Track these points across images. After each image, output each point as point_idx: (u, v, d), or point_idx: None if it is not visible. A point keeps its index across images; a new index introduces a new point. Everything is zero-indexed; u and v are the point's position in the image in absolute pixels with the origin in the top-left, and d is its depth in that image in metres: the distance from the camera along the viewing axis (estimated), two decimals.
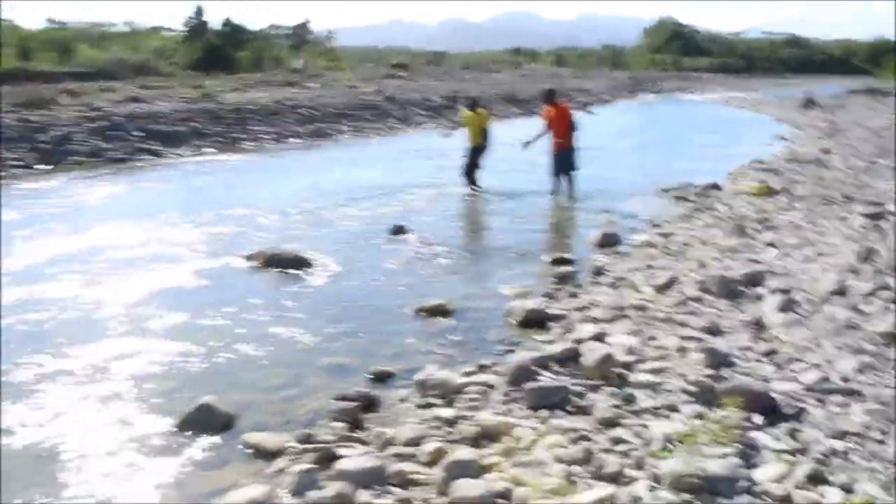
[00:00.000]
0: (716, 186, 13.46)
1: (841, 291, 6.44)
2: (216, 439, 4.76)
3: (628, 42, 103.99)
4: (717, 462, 3.61)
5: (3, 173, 14.87)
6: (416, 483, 4.02)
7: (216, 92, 26.47)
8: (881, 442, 3.91)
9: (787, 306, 6.15)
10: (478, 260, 9.36)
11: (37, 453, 4.57)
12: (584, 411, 4.61)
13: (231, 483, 4.21)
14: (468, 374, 5.49)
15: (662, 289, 7.24)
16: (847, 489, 3.45)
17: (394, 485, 3.97)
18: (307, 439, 4.61)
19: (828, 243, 8.33)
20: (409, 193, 13.27)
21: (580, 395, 4.81)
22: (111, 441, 4.71)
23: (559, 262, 8.80)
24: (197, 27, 42.85)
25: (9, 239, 9.70)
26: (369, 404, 5.19)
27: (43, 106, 19.65)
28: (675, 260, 8.42)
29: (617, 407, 4.57)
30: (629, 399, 4.70)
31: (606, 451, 4.02)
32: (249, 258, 8.82)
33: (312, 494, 3.84)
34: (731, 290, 6.75)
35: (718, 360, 5.08)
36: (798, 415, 4.27)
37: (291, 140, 21.66)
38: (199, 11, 43.31)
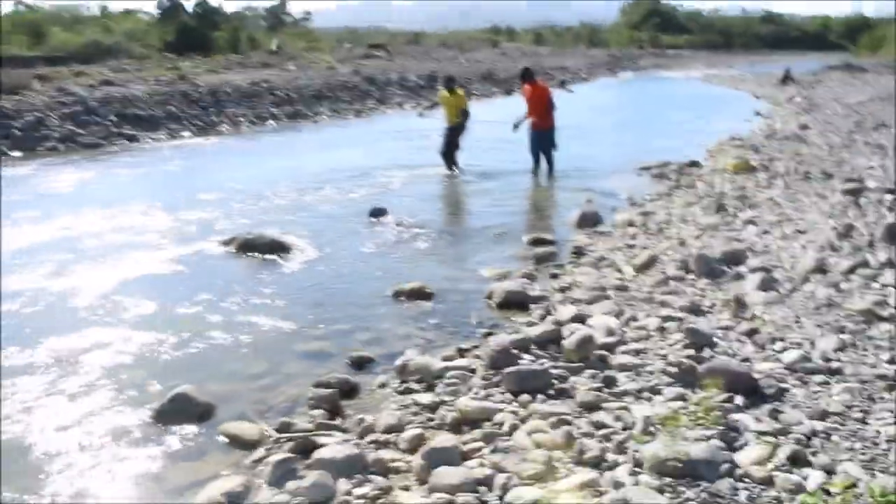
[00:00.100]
0: (695, 164, 13.48)
1: (821, 269, 6.43)
2: (194, 429, 4.69)
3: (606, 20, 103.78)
4: (698, 445, 3.59)
5: None
6: (396, 471, 3.99)
7: (191, 74, 26.14)
8: (862, 421, 3.90)
9: (768, 285, 6.14)
10: (457, 241, 9.29)
11: (8, 448, 4.47)
12: (565, 395, 4.58)
13: (209, 474, 4.16)
14: (448, 358, 5.43)
15: (643, 268, 7.22)
16: (829, 470, 3.43)
17: (374, 473, 3.92)
18: (286, 428, 4.55)
19: (807, 220, 8.33)
20: (387, 175, 13.16)
21: (561, 379, 4.78)
22: (85, 434, 4.63)
23: (539, 242, 8.76)
24: (170, 9, 42.27)
25: None
26: (349, 391, 5.13)
27: (15, 91, 19.29)
28: (655, 239, 8.40)
29: (598, 390, 4.54)
30: (610, 381, 4.67)
31: (588, 435, 3.98)
32: (226, 243, 8.71)
33: (291, 484, 3.79)
34: (712, 269, 6.74)
35: (699, 341, 5.06)
36: (779, 395, 4.25)
37: (269, 122, 21.46)
38: None
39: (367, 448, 4.19)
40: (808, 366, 4.59)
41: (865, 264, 6.41)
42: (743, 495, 3.31)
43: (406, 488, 3.80)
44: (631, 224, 9.26)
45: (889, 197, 8.85)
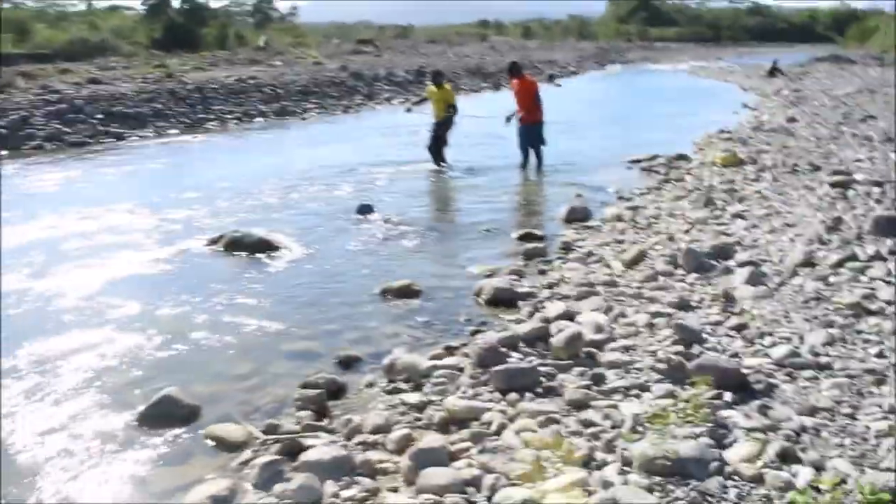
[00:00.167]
0: (683, 157, 13.47)
1: (809, 262, 6.42)
2: (179, 432, 4.64)
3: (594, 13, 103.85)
4: (687, 443, 3.56)
5: None
6: (383, 472, 3.95)
7: (178, 71, 26.01)
8: (851, 417, 3.88)
9: (756, 279, 6.12)
10: (445, 238, 9.24)
11: None
12: (553, 393, 4.54)
13: (195, 478, 4.11)
14: (436, 356, 5.39)
15: (632, 263, 7.20)
16: (818, 467, 3.41)
17: (361, 474, 3.88)
18: (272, 430, 4.52)
19: (795, 213, 8.32)
20: (375, 171, 13.10)
21: (549, 377, 4.75)
22: (69, 437, 4.57)
23: (528, 238, 8.73)
24: (157, 5, 42.04)
25: None
26: (336, 391, 5.09)
27: None
28: (644, 233, 8.38)
29: (587, 388, 4.51)
30: (599, 379, 4.64)
31: (576, 434, 3.95)
32: (213, 242, 8.65)
33: (278, 487, 3.75)
34: (701, 264, 6.72)
35: (688, 337, 5.04)
36: (768, 391, 4.23)
37: (256, 119, 21.33)
38: None
39: (354, 449, 4.16)
40: (796, 361, 4.57)
41: (854, 257, 6.40)
42: (732, 493, 3.29)
43: (394, 490, 3.76)
44: (620, 219, 9.24)
45: (877, 189, 8.85)
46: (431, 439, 4.04)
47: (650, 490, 3.31)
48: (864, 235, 7.10)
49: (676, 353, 4.75)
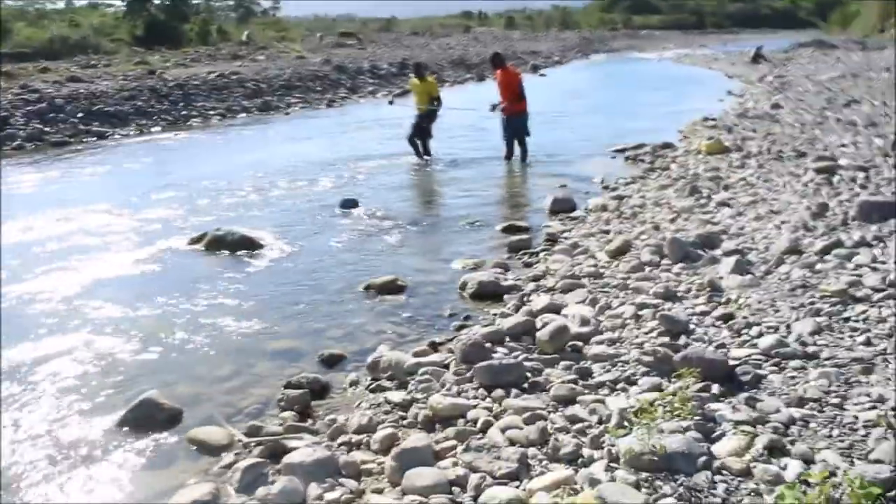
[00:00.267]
0: (669, 145, 13.45)
1: (795, 250, 6.38)
2: (160, 436, 4.58)
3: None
4: (675, 438, 3.50)
5: None
6: (368, 473, 3.89)
7: (160, 68, 25.80)
8: (840, 407, 3.84)
9: (743, 268, 6.08)
10: (429, 232, 9.18)
11: None
12: (539, 388, 4.49)
13: (177, 482, 4.06)
14: (420, 353, 5.33)
15: (617, 254, 7.15)
16: (807, 459, 3.36)
17: (345, 476, 3.82)
18: (255, 432, 4.45)
19: (781, 200, 8.28)
20: (359, 165, 13.03)
21: (535, 372, 4.69)
22: (49, 442, 4.50)
23: (512, 230, 8.68)
24: (137, 1, 41.62)
25: None
26: (319, 390, 5.04)
27: None
28: (629, 223, 8.34)
29: (573, 382, 4.46)
30: (585, 373, 4.59)
31: (562, 430, 3.90)
32: (194, 241, 8.55)
33: (261, 490, 3.68)
34: (686, 253, 6.67)
35: (675, 328, 4.99)
36: (756, 382, 4.18)
37: (240, 115, 21.18)
38: None
39: (338, 450, 4.10)
40: (784, 351, 4.52)
41: (839, 244, 6.36)
42: (721, 488, 3.23)
43: (379, 491, 3.70)
44: (605, 209, 9.19)
45: (861, 174, 8.82)
46: (416, 438, 3.97)
47: (637, 486, 3.25)
48: (849, 221, 7.06)
49: (663, 345, 4.70)
